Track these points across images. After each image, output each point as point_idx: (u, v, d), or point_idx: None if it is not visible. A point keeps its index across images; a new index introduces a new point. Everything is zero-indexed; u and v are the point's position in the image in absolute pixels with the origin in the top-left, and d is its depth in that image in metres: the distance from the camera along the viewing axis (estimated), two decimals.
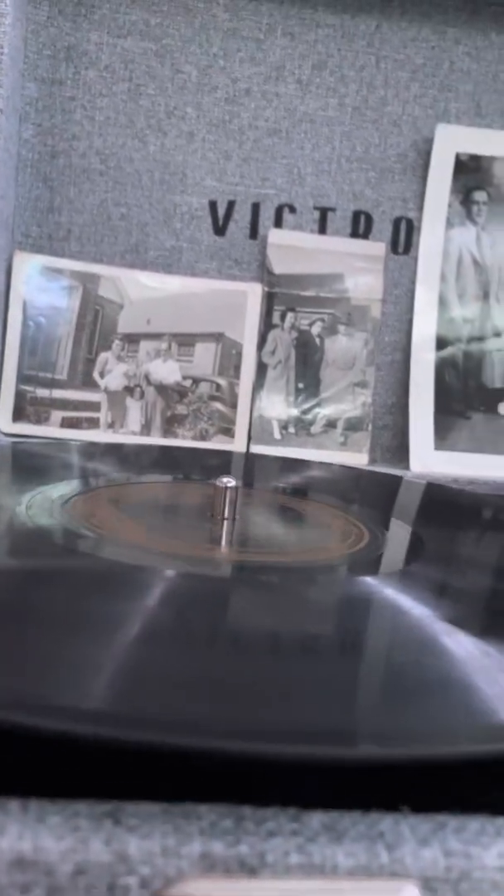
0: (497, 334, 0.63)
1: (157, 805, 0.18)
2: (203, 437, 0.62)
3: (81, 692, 0.19)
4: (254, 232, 0.63)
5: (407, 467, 0.61)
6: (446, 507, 0.49)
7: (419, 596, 0.29)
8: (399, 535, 0.38)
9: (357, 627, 0.26)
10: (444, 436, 0.62)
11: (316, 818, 0.18)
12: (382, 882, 0.17)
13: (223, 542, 0.34)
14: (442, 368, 0.63)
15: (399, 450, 0.64)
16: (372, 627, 0.26)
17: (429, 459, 0.61)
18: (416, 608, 0.27)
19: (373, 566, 0.32)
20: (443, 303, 0.63)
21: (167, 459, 0.55)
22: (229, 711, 0.19)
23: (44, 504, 0.36)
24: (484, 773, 0.20)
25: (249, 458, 0.60)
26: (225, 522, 0.35)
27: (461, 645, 0.24)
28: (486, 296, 0.63)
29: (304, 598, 0.28)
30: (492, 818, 0.18)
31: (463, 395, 0.63)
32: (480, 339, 0.63)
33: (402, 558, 0.35)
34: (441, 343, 0.63)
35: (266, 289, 0.62)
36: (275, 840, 0.17)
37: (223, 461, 0.57)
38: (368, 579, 0.30)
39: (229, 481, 0.35)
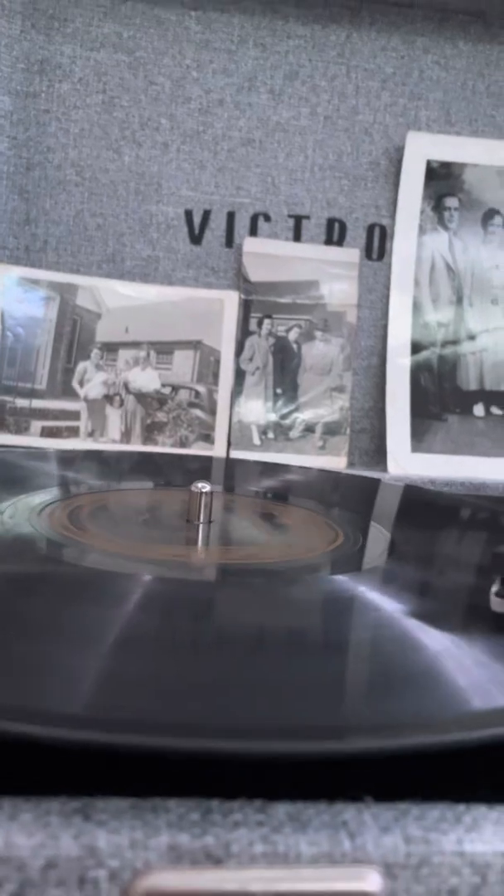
0: (471, 337, 0.64)
1: (128, 800, 0.18)
2: (183, 444, 0.63)
3: (51, 695, 0.19)
4: (229, 240, 0.64)
5: (385, 470, 0.62)
6: (422, 508, 0.49)
7: (392, 593, 0.30)
8: (375, 536, 0.39)
9: (324, 625, 0.26)
10: (420, 438, 0.63)
11: (282, 809, 0.18)
12: (345, 869, 0.17)
13: (199, 546, 0.34)
14: (417, 372, 0.64)
15: (377, 453, 0.64)
16: (339, 624, 0.27)
17: (406, 462, 0.62)
18: (387, 604, 0.28)
19: (348, 565, 0.33)
20: (417, 307, 0.64)
21: (148, 466, 0.56)
22: (196, 710, 0.19)
23: (23, 512, 0.36)
24: (449, 762, 0.21)
25: (229, 463, 0.61)
26: (201, 526, 0.36)
27: (434, 639, 0.25)
28: (459, 300, 0.64)
29: (280, 597, 0.29)
30: (452, 805, 0.19)
31: (438, 397, 0.64)
32: (455, 342, 0.64)
33: (378, 558, 0.35)
34: (416, 347, 0.64)
35: (242, 296, 0.63)
36: (240, 831, 0.18)
37: (203, 466, 0.57)
38: (342, 578, 0.31)
39: (204, 486, 0.36)
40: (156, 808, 0.18)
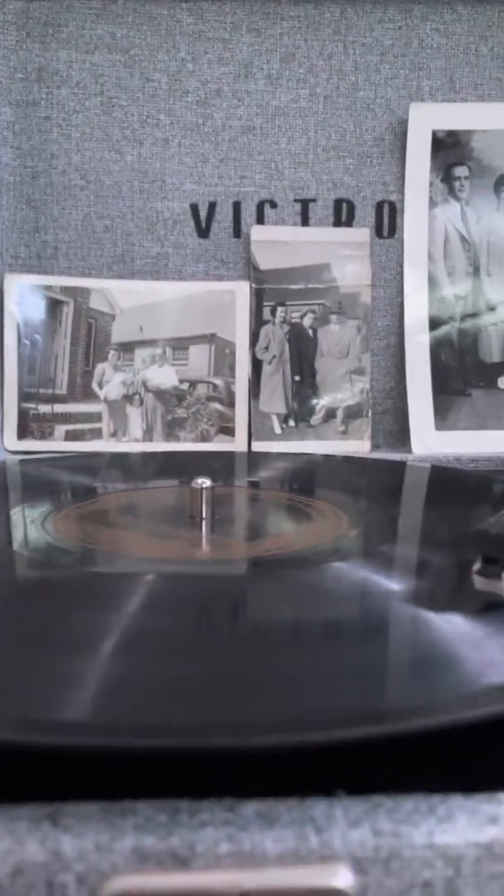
0: (491, 308, 0.63)
1: (97, 804, 0.18)
2: (205, 438, 0.63)
3: (22, 701, 0.19)
4: (237, 231, 0.63)
5: (409, 451, 0.61)
6: (448, 488, 0.49)
7: (407, 581, 0.29)
8: (394, 520, 0.38)
9: (321, 616, 0.26)
10: (444, 416, 0.61)
11: (250, 807, 0.18)
12: (315, 867, 0.17)
13: (203, 543, 0.34)
14: (437, 348, 0.62)
15: (401, 434, 0.63)
16: (345, 615, 0.26)
17: (430, 441, 0.61)
18: (390, 586, 0.28)
19: (364, 554, 0.32)
20: (433, 282, 0.63)
21: (170, 465, 0.56)
22: (169, 710, 0.19)
23: (44, 518, 0.37)
24: (424, 752, 0.20)
25: (252, 456, 0.60)
26: (203, 523, 0.36)
27: (450, 624, 0.24)
28: (476, 271, 0.63)
29: (289, 589, 0.29)
30: (426, 797, 0.19)
31: (461, 372, 0.62)
32: (474, 315, 0.63)
33: (397, 547, 0.35)
34: (434, 323, 0.63)
35: (254, 286, 0.63)
36: (205, 831, 0.17)
37: (226, 461, 0.57)
38: (352, 567, 0.30)
39: (204, 482, 0.36)
40: (124, 811, 0.18)
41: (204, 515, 0.36)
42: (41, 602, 0.27)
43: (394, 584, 0.29)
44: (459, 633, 0.23)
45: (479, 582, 0.25)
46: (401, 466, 0.55)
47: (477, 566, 0.25)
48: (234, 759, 0.19)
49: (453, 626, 0.24)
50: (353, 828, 0.18)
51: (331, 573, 0.30)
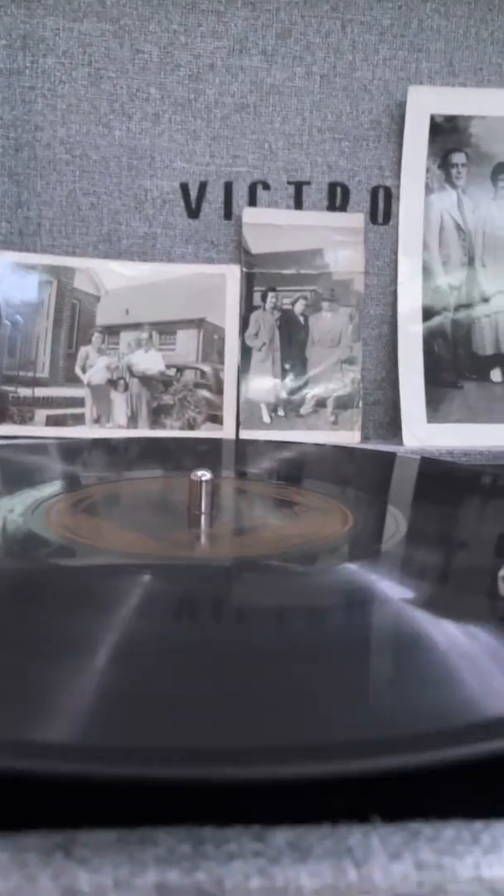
0: (485, 300, 0.62)
1: (113, 832, 0.17)
2: (191, 426, 0.61)
3: (26, 723, 0.18)
4: (228, 212, 0.61)
5: (400, 442, 0.60)
6: (439, 482, 0.47)
7: (408, 582, 0.28)
8: (390, 517, 0.37)
9: (336, 623, 0.25)
10: (436, 408, 0.60)
11: (280, 835, 0.17)
12: None
13: (201, 538, 0.33)
14: (430, 339, 0.61)
15: (392, 425, 0.62)
16: (351, 622, 0.25)
17: (422, 433, 0.60)
18: (399, 595, 0.26)
19: (361, 553, 0.31)
20: (427, 271, 0.62)
21: (156, 451, 0.54)
22: (181, 732, 0.18)
23: (28, 508, 0.35)
24: (460, 776, 0.19)
25: (239, 444, 0.59)
26: (203, 517, 0.34)
27: (447, 636, 0.23)
28: (471, 261, 0.62)
29: (290, 594, 0.27)
30: (468, 823, 0.17)
31: (453, 364, 0.61)
32: (468, 305, 0.62)
33: (393, 542, 0.33)
34: (428, 313, 0.61)
35: (245, 270, 0.61)
36: (235, 864, 0.16)
37: (213, 449, 0.56)
38: (355, 567, 0.29)
39: (204, 474, 0.34)
40: (143, 840, 0.17)
41: (203, 509, 0.34)
42: (15, 599, 0.25)
43: (407, 590, 0.27)
44: (488, 646, 0.22)
45: None
46: (392, 457, 0.53)
47: (503, 572, 0.24)
48: (253, 787, 0.18)
49: (482, 636, 0.22)
50: (393, 860, 0.16)
51: (341, 577, 0.28)
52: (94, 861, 0.16)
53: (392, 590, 0.27)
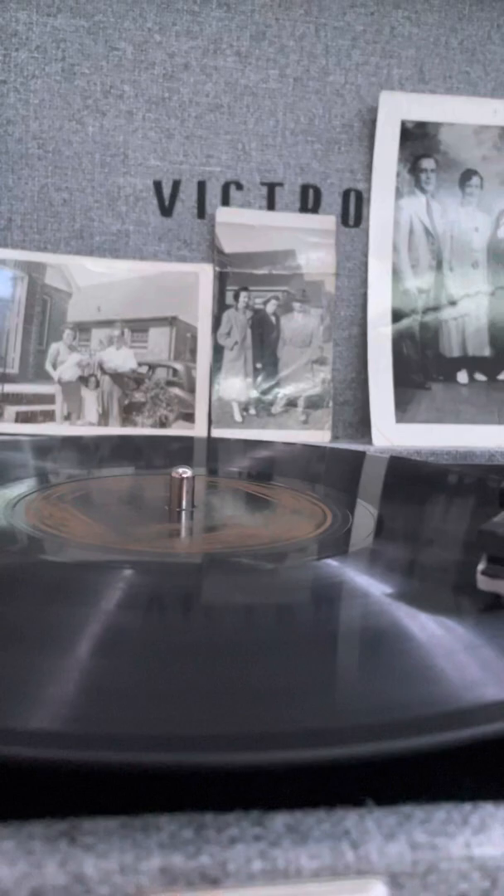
0: (452, 303, 0.63)
1: (116, 819, 0.17)
2: (163, 424, 0.61)
3: (29, 711, 0.18)
4: (201, 211, 0.62)
5: (370, 442, 0.61)
6: (408, 480, 0.48)
7: (381, 576, 0.29)
8: (362, 514, 0.38)
9: (313, 616, 0.25)
10: (404, 408, 0.62)
11: (279, 820, 0.17)
12: (349, 882, 0.17)
13: (182, 536, 0.33)
14: (399, 341, 0.62)
15: (361, 425, 0.63)
16: (328, 615, 0.26)
17: (391, 432, 0.61)
18: (376, 589, 0.27)
19: (335, 548, 0.32)
20: (396, 274, 0.63)
21: (128, 449, 0.54)
22: (177, 719, 0.18)
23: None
24: (450, 761, 0.20)
25: (211, 442, 0.59)
26: (183, 514, 0.35)
27: (425, 628, 0.24)
28: (439, 265, 0.63)
29: (266, 589, 0.28)
30: (458, 805, 0.18)
31: (421, 366, 0.62)
32: (436, 308, 0.63)
33: (365, 538, 0.34)
34: (397, 315, 0.63)
35: (217, 269, 0.61)
36: (236, 847, 0.17)
37: (185, 447, 0.56)
38: (330, 562, 0.30)
39: (185, 472, 0.34)
40: (146, 827, 0.17)
41: (184, 506, 0.34)
42: None
43: (387, 586, 0.28)
44: (464, 637, 0.23)
45: (483, 582, 0.25)
46: (362, 456, 0.54)
47: (482, 566, 0.25)
48: (250, 772, 0.18)
49: (458, 629, 0.23)
50: (388, 841, 0.17)
51: (321, 571, 0.29)
52: (100, 847, 0.16)
53: (368, 584, 0.28)
